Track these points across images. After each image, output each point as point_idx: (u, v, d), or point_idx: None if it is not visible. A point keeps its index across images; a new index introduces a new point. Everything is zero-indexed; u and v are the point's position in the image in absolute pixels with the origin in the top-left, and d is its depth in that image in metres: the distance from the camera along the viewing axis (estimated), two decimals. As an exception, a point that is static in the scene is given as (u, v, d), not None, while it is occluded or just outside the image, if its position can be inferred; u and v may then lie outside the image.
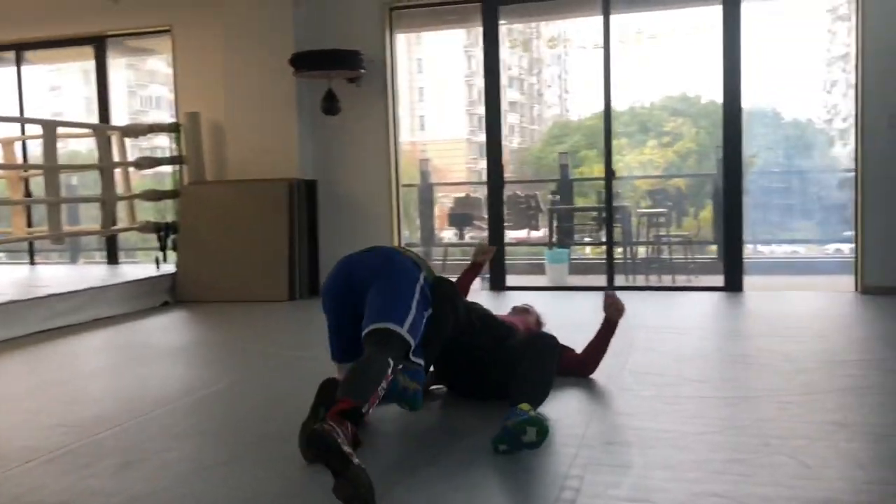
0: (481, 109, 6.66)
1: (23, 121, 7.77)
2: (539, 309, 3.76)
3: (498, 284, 6.43)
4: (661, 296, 6.19)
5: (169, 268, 6.59)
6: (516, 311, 3.62)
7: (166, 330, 5.40)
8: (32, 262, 8.10)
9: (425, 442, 2.69)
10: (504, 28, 6.57)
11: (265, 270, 6.29)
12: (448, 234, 9.91)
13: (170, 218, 6.93)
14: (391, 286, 2.65)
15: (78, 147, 9.76)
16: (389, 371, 2.37)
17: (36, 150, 7.55)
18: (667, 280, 7.08)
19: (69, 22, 7.27)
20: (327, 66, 6.29)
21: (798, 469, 2.29)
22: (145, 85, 18.54)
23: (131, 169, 7.02)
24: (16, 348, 4.64)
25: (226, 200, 6.55)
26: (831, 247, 9.80)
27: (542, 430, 2.43)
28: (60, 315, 5.25)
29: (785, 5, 9.20)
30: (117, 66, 8.12)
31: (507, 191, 7.11)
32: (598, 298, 3.53)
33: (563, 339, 3.13)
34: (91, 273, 6.89)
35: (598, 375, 3.42)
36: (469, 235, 8.95)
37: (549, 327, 3.50)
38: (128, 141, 7.04)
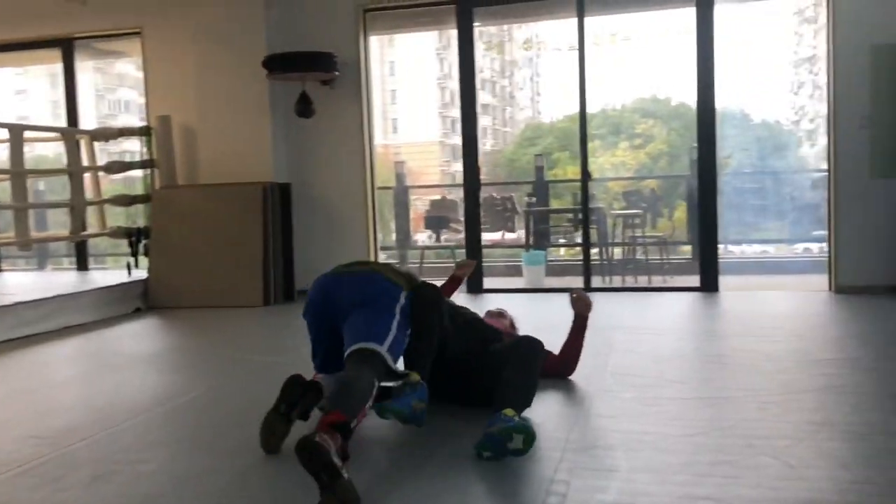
0: (454, 112, 6.68)
1: (-12, 124, 7.60)
2: (515, 312, 3.75)
3: (475, 287, 6.41)
4: (637, 297, 6.21)
5: (140, 274, 6.48)
6: (491, 315, 3.60)
7: (139, 337, 5.31)
8: (-1, 269, 7.94)
9: (409, 449, 2.65)
10: (476, 31, 6.55)
11: (239, 275, 6.21)
12: (423, 237, 9.88)
13: (141, 223, 6.82)
14: (372, 309, 2.68)
15: (44, 151, 9.58)
16: (375, 390, 2.41)
17: (1, 154, 7.39)
18: (643, 281, 7.10)
19: (35, 24, 7.11)
20: (301, 69, 6.24)
21: (783, 470, 2.29)
22: (113, 88, 18.32)
23: (101, 173, 6.90)
24: (-17, 358, 4.53)
25: (198, 204, 6.46)
26: (800, 246, 9.94)
27: (529, 437, 2.41)
28: (29, 323, 5.13)
29: (751, 7, 9.31)
30: (85, 70, 7.98)
31: (484, 193, 7.09)
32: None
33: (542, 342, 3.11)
34: (60, 280, 6.77)
35: (578, 378, 3.41)
36: (444, 238, 8.92)
37: (526, 330, 3.48)
38: (97, 145, 6.91)
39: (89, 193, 6.73)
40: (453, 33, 6.54)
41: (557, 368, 3.38)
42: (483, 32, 13.34)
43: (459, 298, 3.99)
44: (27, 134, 6.32)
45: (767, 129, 13.32)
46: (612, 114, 15.12)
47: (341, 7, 6.49)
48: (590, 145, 6.45)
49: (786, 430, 2.66)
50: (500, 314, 3.62)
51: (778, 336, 4.29)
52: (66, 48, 7.36)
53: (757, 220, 10.33)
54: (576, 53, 6.26)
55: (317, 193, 6.62)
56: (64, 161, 6.48)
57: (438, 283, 3.30)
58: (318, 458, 1.99)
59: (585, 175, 6.37)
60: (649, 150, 15.13)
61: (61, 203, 6.93)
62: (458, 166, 6.58)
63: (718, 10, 5.92)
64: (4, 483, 2.43)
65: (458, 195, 7.12)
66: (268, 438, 2.58)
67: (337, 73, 6.34)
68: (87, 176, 6.66)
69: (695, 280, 6.20)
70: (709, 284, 6.06)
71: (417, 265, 8.21)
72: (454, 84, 6.50)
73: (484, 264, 6.77)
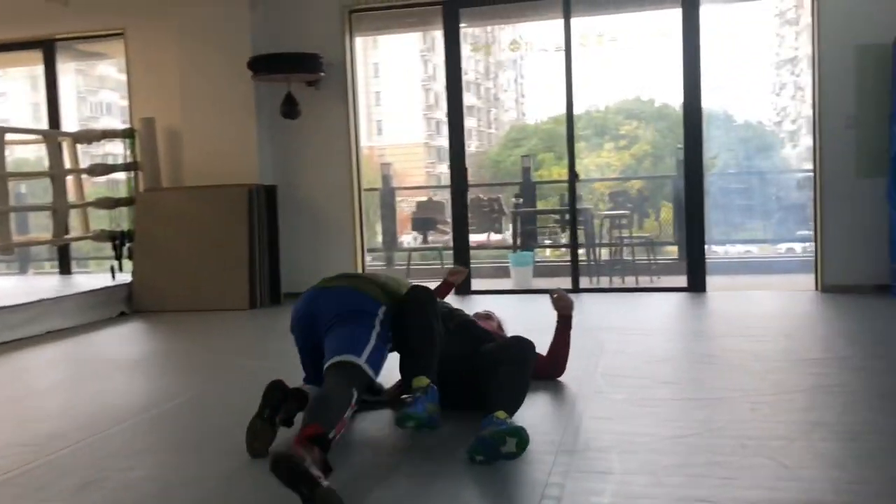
0: (439, 114, 6.67)
1: (-32, 127, 7.50)
2: (503, 314, 3.73)
3: (463, 289, 6.38)
4: (625, 297, 6.21)
5: (125, 277, 6.40)
6: (478, 317, 3.57)
7: (124, 341, 5.24)
8: (-21, 274, 7.83)
9: (401, 453, 2.62)
10: (462, 32, 6.53)
11: (225, 278, 6.15)
12: (408, 239, 9.85)
13: (125, 226, 6.75)
14: (351, 323, 2.68)
15: (25, 154, 9.48)
16: (353, 401, 2.41)
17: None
18: (630, 281, 7.10)
19: (16, 25, 7.01)
20: (286, 70, 6.19)
21: (778, 470, 2.28)
22: (95, 91, 18.15)
23: (84, 176, 6.81)
24: (-36, 364, 4.45)
25: (183, 207, 6.39)
26: (783, 246, 9.99)
27: (522, 440, 2.38)
28: (11, 328, 5.05)
29: (733, 9, 9.35)
30: (66, 71, 7.88)
31: (470, 194, 7.07)
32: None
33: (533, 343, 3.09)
34: (43, 284, 6.68)
35: (569, 379, 3.40)
36: (431, 239, 8.90)
37: (515, 332, 3.46)
38: (79, 147, 6.83)
39: (72, 196, 6.65)
40: (438, 35, 6.51)
41: (547, 370, 3.37)
42: (468, 34, 13.34)
43: (448, 300, 3.97)
44: (8, 136, 6.22)
45: (751, 130, 13.39)
46: (595, 115, 15.14)
47: (327, 8, 6.45)
48: (577, 146, 6.45)
49: (778, 430, 2.65)
50: (488, 316, 3.60)
51: (766, 336, 4.29)
52: (48, 50, 7.27)
53: (743, 221, 10.37)
54: (562, 54, 6.27)
55: (303, 195, 6.57)
56: (45, 164, 6.39)
57: (430, 286, 3.26)
58: (293, 469, 1.97)
59: (573, 176, 6.37)
60: (634, 151, 15.17)
61: (43, 206, 6.84)
62: (444, 168, 6.57)
63: (703, 12, 5.94)
64: (-12, 492, 2.38)
65: (444, 196, 7.08)
66: (252, 443, 2.57)
67: (322, 74, 6.30)
68: (69, 179, 6.57)
69: (682, 280, 6.21)
70: (696, 284, 6.07)
71: (404, 267, 8.18)
72: (439, 86, 6.52)
73: (472, 265, 6.75)
